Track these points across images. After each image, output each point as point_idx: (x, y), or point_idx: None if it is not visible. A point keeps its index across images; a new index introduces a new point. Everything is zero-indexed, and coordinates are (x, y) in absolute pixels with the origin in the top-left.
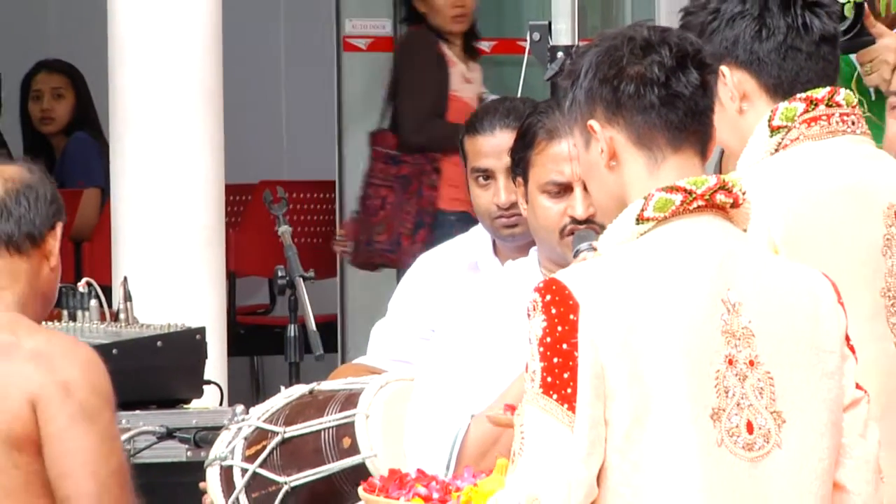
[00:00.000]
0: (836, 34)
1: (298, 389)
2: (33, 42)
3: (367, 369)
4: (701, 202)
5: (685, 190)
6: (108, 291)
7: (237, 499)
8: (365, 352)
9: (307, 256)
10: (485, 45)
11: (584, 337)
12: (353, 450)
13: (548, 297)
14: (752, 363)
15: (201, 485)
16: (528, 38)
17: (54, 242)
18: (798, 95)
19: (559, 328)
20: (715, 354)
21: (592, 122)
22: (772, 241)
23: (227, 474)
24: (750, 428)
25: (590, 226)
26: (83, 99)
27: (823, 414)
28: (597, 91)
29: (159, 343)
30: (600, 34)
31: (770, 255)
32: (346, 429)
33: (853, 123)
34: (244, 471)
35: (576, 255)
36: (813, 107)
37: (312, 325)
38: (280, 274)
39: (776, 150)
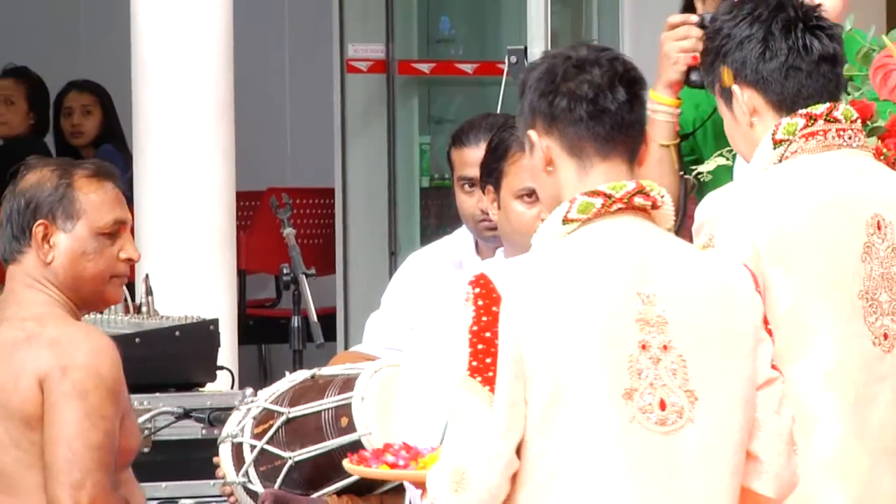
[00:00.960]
0: (835, 54)
1: (301, 374)
2: (65, 64)
3: (362, 356)
4: (620, 205)
5: (605, 194)
6: (131, 287)
7: (247, 472)
8: (361, 341)
9: (309, 255)
10: (467, 68)
11: (504, 327)
12: (351, 428)
13: (476, 290)
14: (665, 348)
15: (215, 459)
16: (506, 61)
17: (37, 240)
18: (799, 111)
19: (483, 318)
20: (629, 340)
21: (531, 132)
22: (755, 247)
23: (237, 450)
24: (663, 405)
25: None
26: (109, 115)
27: (735, 392)
28: (536, 104)
29: (177, 333)
30: (548, 53)
31: (691, 249)
32: (344, 409)
33: (850, 138)
34: (253, 447)
35: None
36: (812, 122)
37: (314, 316)
38: (285, 271)
39: (778, 162)
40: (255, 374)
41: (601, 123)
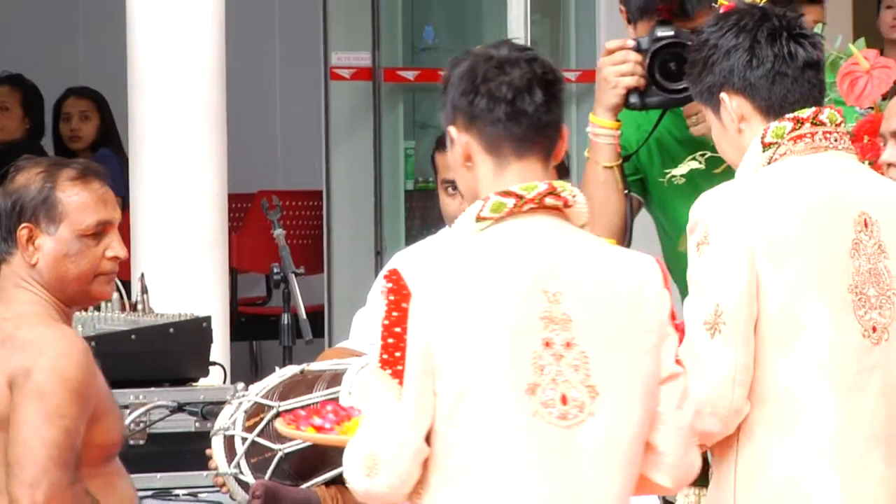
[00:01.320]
0: (819, 60)
1: (291, 369)
2: (64, 71)
3: (349, 352)
4: (532, 205)
5: (517, 195)
6: (127, 285)
7: (238, 464)
8: (348, 337)
9: (298, 255)
10: None
11: (413, 323)
12: None
13: (389, 285)
14: (568, 344)
15: (207, 451)
16: None
17: (21, 243)
18: (787, 116)
19: (394, 314)
20: (532, 337)
21: (451, 128)
22: (751, 247)
23: (229, 443)
24: (564, 400)
25: None
26: (106, 120)
27: (636, 387)
28: (458, 102)
29: (171, 330)
30: (472, 50)
31: (602, 247)
32: (332, 403)
33: (836, 140)
34: (244, 440)
35: None
36: (799, 125)
37: (303, 314)
38: (275, 270)
39: (767, 164)
40: (247, 369)
41: (518, 124)
